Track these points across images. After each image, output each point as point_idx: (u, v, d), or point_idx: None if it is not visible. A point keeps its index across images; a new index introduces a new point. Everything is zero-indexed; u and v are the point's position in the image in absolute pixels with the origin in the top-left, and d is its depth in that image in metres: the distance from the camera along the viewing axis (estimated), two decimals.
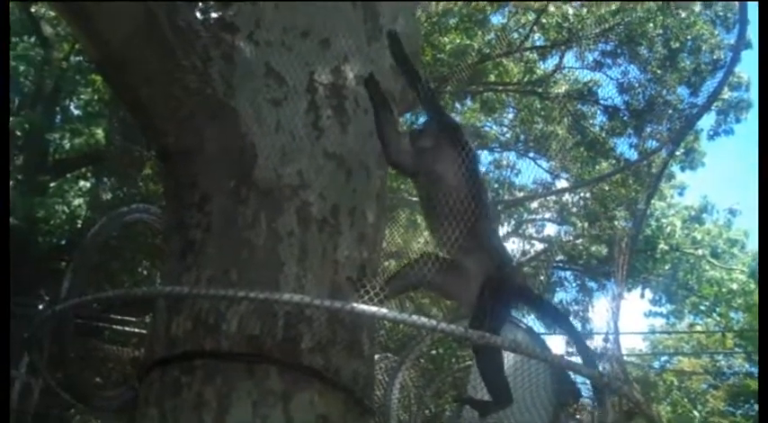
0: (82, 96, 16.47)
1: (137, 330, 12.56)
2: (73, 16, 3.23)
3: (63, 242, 15.74)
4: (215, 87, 3.30)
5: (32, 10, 14.67)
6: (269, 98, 3.39)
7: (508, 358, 4.13)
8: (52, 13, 13.46)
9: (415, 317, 2.95)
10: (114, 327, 12.81)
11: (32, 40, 16.32)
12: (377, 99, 3.33)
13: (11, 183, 14.18)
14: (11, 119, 14.92)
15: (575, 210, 18.52)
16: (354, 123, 3.51)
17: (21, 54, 15.39)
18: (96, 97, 15.53)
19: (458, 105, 17.84)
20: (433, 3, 15.44)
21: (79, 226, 14.44)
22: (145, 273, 15.20)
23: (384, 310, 2.90)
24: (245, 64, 3.41)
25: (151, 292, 3.25)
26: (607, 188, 15.15)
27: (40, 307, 14.09)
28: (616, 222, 16.73)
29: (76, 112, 17.26)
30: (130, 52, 3.18)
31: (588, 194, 16.70)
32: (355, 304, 2.89)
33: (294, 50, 3.52)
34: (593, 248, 18.38)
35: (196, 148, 3.28)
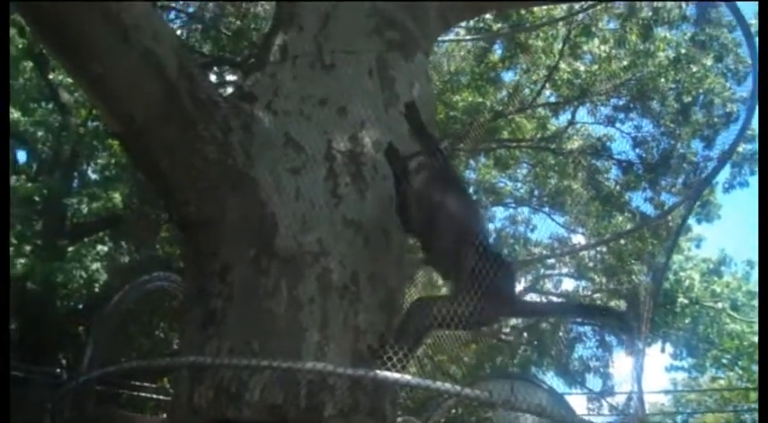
0: (99, 161, 16.63)
1: (154, 396, 12.52)
2: (95, 91, 3.29)
3: (81, 306, 15.76)
4: (235, 157, 3.34)
5: (50, 77, 14.90)
6: (288, 167, 3.43)
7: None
8: (70, 80, 13.66)
9: (439, 383, 2.94)
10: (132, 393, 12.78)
11: (50, 106, 16.56)
12: (397, 168, 3.36)
13: (29, 247, 14.26)
14: (29, 184, 15.08)
15: (592, 264, 18.43)
16: (372, 190, 3.53)
17: (39, 120, 15.62)
18: (113, 161, 15.68)
19: (472, 162, 17.88)
20: (445, 61, 15.61)
21: (97, 290, 14.48)
22: (162, 335, 15.19)
23: (407, 377, 2.89)
24: (264, 133, 3.45)
25: (174, 363, 3.24)
26: (624, 242, 15.08)
27: (58, 370, 14.08)
28: (634, 276, 16.63)
29: (94, 176, 17.42)
30: (152, 126, 3.23)
31: (605, 249, 16.62)
32: (378, 371, 2.88)
33: (312, 119, 3.56)
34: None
35: (217, 218, 3.30)
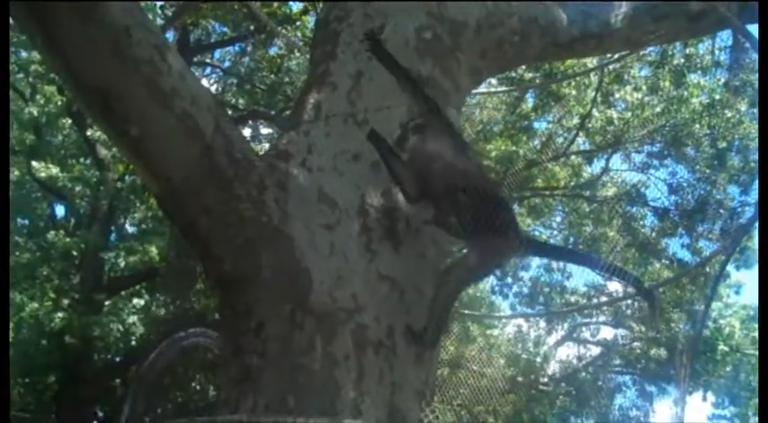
0: (136, 215, 16.86)
1: None
2: (132, 152, 3.35)
3: (118, 359, 15.85)
4: (270, 214, 3.37)
5: (88, 133, 15.17)
6: (322, 223, 3.45)
7: None
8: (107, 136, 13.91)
9: None
10: None
11: (88, 161, 16.84)
12: (382, 149, 3.47)
13: (67, 301, 14.40)
14: (67, 239, 15.28)
15: (630, 312, 18.22)
16: (406, 245, 3.55)
17: (77, 176, 15.88)
18: (150, 215, 15.86)
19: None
20: (477, 111, 15.68)
21: (134, 343, 14.56)
22: (198, 387, 15.20)
23: None
24: (298, 190, 3.49)
25: (212, 421, 3.25)
26: (662, 290, 14.90)
27: None
28: (673, 325, 16.41)
29: (131, 230, 17.64)
30: (190, 186, 3.28)
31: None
32: None
33: (345, 175, 3.60)
34: (652, 351, 18.01)
35: (252, 275, 3.33)
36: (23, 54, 16.43)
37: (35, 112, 16.24)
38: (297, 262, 3.33)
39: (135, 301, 14.99)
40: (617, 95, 15.68)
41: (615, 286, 18.58)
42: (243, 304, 3.34)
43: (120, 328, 13.92)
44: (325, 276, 3.32)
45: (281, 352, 3.23)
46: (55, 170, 15.31)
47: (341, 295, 3.32)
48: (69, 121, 16.70)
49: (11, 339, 14.99)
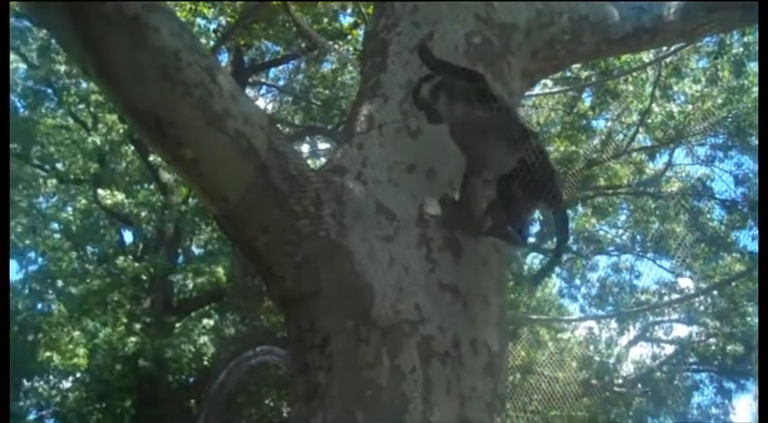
0: (201, 237, 17.09)
1: None
2: (188, 174, 3.37)
3: (191, 380, 16.06)
4: (328, 229, 3.36)
5: (150, 159, 15.42)
6: (381, 235, 3.43)
7: None
8: None
9: None
10: None
11: (152, 186, 17.12)
12: (433, 64, 3.58)
13: (139, 326, 14.63)
14: (136, 264, 15.53)
15: (703, 309, 17.86)
16: (467, 253, 3.51)
17: (142, 201, 16.14)
18: (215, 236, 16.06)
19: (569, 212, 17.65)
20: (534, 113, 15.56)
21: (206, 363, 14.73)
22: (271, 405, 15.30)
23: None
24: (355, 204, 3.47)
25: None
26: (735, 284, 14.58)
27: None
28: (748, 318, 16.03)
29: (197, 252, 17.89)
30: (247, 206, 3.29)
31: (716, 292, 16.11)
32: None
33: (401, 185, 3.57)
34: (728, 347, 17.62)
35: (314, 291, 3.32)
36: (84, 85, 16.81)
37: (98, 141, 16.56)
38: (357, 276, 3.31)
39: (205, 321, 15.16)
40: (676, 89, 15.44)
41: (686, 283, 18.26)
42: (306, 321, 3.34)
43: (192, 348, 14.10)
44: (386, 289, 3.30)
45: (348, 367, 3.21)
46: (120, 197, 15.58)
47: (404, 307, 3.29)
48: (131, 147, 17.02)
49: (85, 365, 15.30)
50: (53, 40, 15.65)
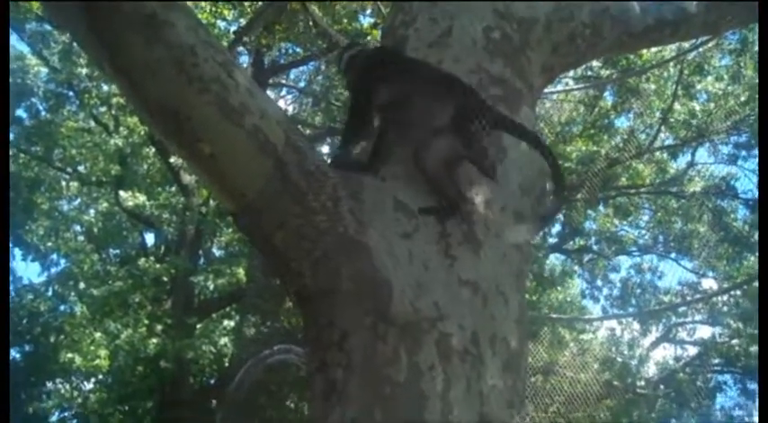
0: (222, 238, 17.14)
1: None
2: (206, 171, 3.36)
3: (212, 381, 16.11)
4: (346, 225, 3.33)
5: (171, 160, 15.49)
6: (399, 231, 3.40)
7: None
8: None
9: None
10: None
11: (173, 188, 17.20)
12: None
13: (160, 327, 14.69)
14: (157, 265, 15.60)
15: (726, 309, 17.70)
16: (486, 248, 3.47)
17: (163, 203, 16.23)
18: (236, 237, 16.11)
19: (591, 212, 17.59)
20: (555, 112, 15.49)
21: (227, 364, 14.77)
22: (292, 405, 15.31)
23: None
24: (373, 200, 3.44)
25: None
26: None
27: None
28: None
29: (218, 253, 17.95)
30: (264, 202, 3.26)
31: (739, 293, 15.96)
32: None
33: (419, 181, 3.54)
34: (752, 348, 17.44)
35: (332, 288, 3.29)
36: (105, 87, 16.90)
37: (120, 144, 16.66)
38: (376, 272, 3.28)
39: (225, 322, 15.23)
40: (698, 87, 15.32)
41: (709, 283, 18.11)
42: (324, 317, 3.31)
43: (213, 350, 14.15)
44: (405, 285, 3.27)
45: (366, 364, 3.18)
46: (142, 199, 15.66)
47: (423, 304, 3.26)
48: (153, 149, 17.10)
49: (107, 367, 15.39)
50: (74, 44, 15.76)
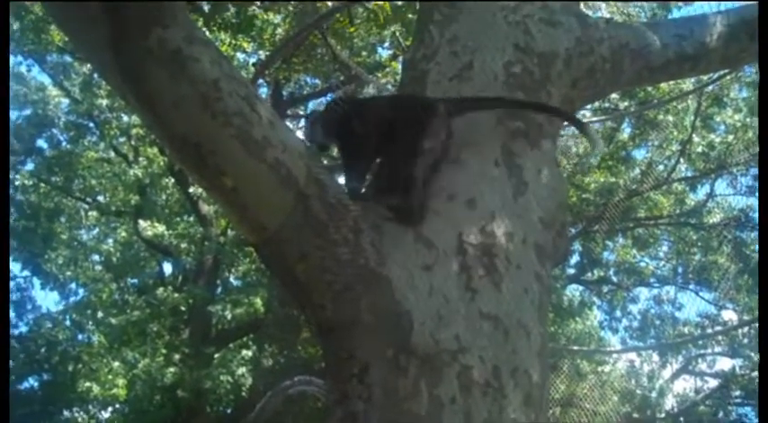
0: (240, 268, 17.19)
1: None
2: (227, 203, 3.39)
3: (229, 411, 16.07)
4: (367, 257, 3.35)
5: (190, 190, 15.58)
6: (420, 264, 3.40)
7: None
8: None
9: None
10: None
11: (191, 218, 17.29)
12: None
13: (178, 356, 14.69)
14: (176, 295, 15.65)
15: (747, 341, 17.55)
16: (507, 281, 3.47)
17: (182, 233, 16.31)
18: (253, 267, 16.15)
19: (609, 243, 17.54)
20: (573, 143, 15.50)
21: (244, 394, 14.75)
22: None
23: None
24: (394, 232, 3.46)
25: None
26: None
27: None
28: None
29: (236, 283, 17.99)
30: (286, 234, 3.29)
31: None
32: None
33: (441, 214, 3.55)
34: None
35: (352, 320, 3.30)
36: (125, 118, 17.07)
37: (139, 174, 16.79)
38: (396, 304, 3.29)
39: (243, 352, 15.22)
40: (717, 119, 15.31)
41: (730, 315, 17.96)
42: (345, 350, 3.31)
43: (230, 379, 14.13)
44: (425, 318, 3.27)
45: (387, 397, 3.17)
46: (160, 228, 15.75)
47: (443, 336, 3.25)
48: (172, 180, 17.22)
49: (125, 396, 15.40)
50: (95, 75, 15.94)
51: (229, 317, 15.55)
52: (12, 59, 17.76)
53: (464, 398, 3.16)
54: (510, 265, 3.52)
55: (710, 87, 13.05)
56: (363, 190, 3.72)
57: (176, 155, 3.35)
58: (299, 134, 4.69)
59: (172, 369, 13.95)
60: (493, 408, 3.19)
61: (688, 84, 12.89)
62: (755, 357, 17.44)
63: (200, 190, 15.19)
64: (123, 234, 18.46)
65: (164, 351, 15.06)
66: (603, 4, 13.07)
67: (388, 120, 3.71)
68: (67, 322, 18.08)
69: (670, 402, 19.18)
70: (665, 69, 4.64)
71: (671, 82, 13.11)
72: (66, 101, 18.16)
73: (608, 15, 12.13)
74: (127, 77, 3.16)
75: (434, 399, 3.14)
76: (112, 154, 18.31)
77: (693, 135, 14.81)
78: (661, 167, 15.86)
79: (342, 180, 3.69)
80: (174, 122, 3.17)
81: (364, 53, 15.13)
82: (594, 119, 13.72)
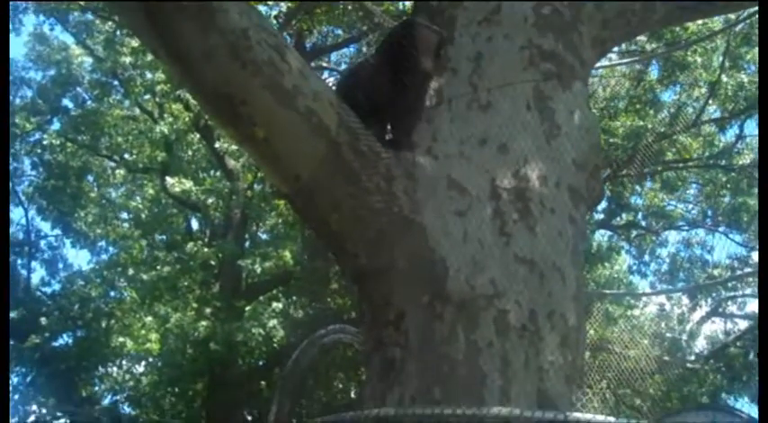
0: (268, 222, 17.22)
1: None
2: (260, 155, 3.39)
3: (261, 363, 16.24)
4: (400, 205, 3.35)
5: (216, 146, 15.56)
6: (453, 210, 3.40)
7: None
8: (234, 147, 14.25)
9: (633, 421, 2.81)
10: None
11: (218, 173, 17.31)
12: None
13: (209, 310, 14.83)
14: (205, 250, 15.74)
15: None
16: (541, 225, 3.45)
17: (209, 188, 16.33)
18: (281, 221, 16.16)
19: (638, 187, 17.39)
20: (600, 87, 15.32)
21: (275, 346, 14.88)
22: (340, 386, 15.40)
23: (600, 417, 2.77)
24: (426, 179, 3.45)
25: (358, 415, 3.25)
26: None
27: None
28: None
29: (264, 237, 18.05)
30: (318, 183, 3.29)
31: None
32: (570, 413, 2.78)
33: (473, 159, 3.52)
34: None
35: (387, 267, 3.31)
36: (149, 75, 17.03)
37: (165, 131, 16.79)
38: (431, 251, 3.29)
39: (273, 305, 15.30)
40: (746, 58, 15.02)
41: None
42: (381, 297, 3.33)
43: (262, 332, 14.23)
44: (461, 264, 3.27)
45: (423, 343, 3.20)
46: (188, 184, 15.77)
47: (479, 282, 3.26)
48: (197, 136, 17.21)
49: (158, 350, 15.61)
50: (118, 33, 15.88)
51: (259, 270, 15.63)
52: (33, 19, 17.83)
53: (501, 342, 3.17)
54: (544, 208, 3.50)
55: (740, 26, 12.82)
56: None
57: (208, 107, 3.36)
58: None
59: (204, 323, 14.08)
60: (530, 351, 3.20)
61: (717, 22, 12.67)
62: None
63: (226, 145, 15.22)
64: (151, 191, 18.57)
65: (195, 305, 15.21)
66: None
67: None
68: (99, 279, 18.29)
69: (700, 345, 19.19)
70: (697, 7, 4.56)
71: (699, 22, 12.90)
72: (89, 59, 18.16)
73: None
74: (158, 31, 3.15)
75: (471, 343, 3.16)
76: (138, 111, 18.32)
77: (722, 75, 14.59)
78: (690, 109, 15.67)
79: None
80: (205, 74, 3.16)
81: (386, 2, 14.95)
82: (621, 61, 13.55)
